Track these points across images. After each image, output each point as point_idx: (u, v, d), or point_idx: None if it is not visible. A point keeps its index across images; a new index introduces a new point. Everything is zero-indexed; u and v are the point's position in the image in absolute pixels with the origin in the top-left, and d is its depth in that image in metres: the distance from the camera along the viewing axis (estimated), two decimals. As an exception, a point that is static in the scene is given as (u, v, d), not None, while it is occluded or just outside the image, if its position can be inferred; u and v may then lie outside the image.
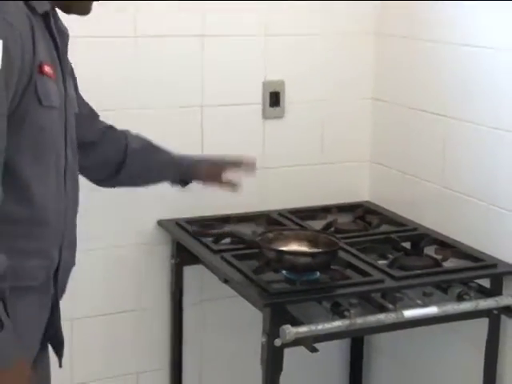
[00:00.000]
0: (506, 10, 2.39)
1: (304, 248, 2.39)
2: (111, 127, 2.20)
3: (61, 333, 1.88)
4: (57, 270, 1.79)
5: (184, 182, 2.33)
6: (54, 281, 1.79)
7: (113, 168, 2.18)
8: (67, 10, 1.80)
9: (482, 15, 2.49)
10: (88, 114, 2.11)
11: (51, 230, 1.74)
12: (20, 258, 1.65)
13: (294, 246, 2.39)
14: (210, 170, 2.35)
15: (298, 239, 2.42)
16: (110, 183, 2.24)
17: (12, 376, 1.54)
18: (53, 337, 1.86)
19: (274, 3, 2.80)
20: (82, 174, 1.96)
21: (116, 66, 2.64)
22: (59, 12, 1.79)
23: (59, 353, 1.90)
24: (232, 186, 2.34)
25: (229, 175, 2.33)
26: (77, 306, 2.63)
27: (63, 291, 1.87)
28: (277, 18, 2.83)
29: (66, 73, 1.81)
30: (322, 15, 2.89)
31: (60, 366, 1.90)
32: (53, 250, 1.76)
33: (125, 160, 2.18)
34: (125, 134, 2.22)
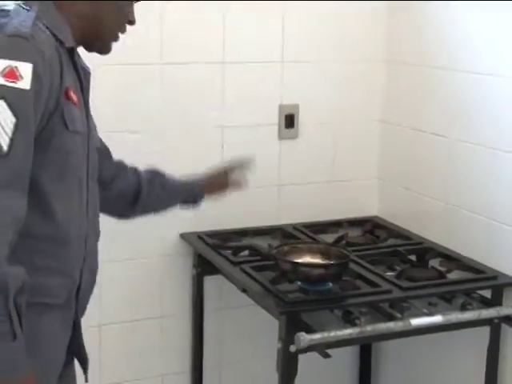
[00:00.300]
0: (504, 39, 2.40)
1: (317, 260, 2.38)
2: (122, 162, 2.15)
3: (84, 350, 1.84)
4: (77, 291, 1.76)
5: (195, 201, 2.28)
6: (75, 300, 1.76)
7: (129, 200, 2.12)
8: (89, 49, 1.81)
9: (483, 44, 2.49)
10: (104, 151, 2.06)
11: (72, 251, 1.71)
12: (43, 275, 1.63)
13: (308, 259, 2.38)
14: (215, 182, 2.30)
15: (312, 252, 2.42)
16: (128, 215, 2.17)
17: None
18: (77, 353, 1.84)
19: (290, 31, 2.81)
20: (101, 210, 1.91)
21: (144, 91, 2.65)
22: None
23: (84, 368, 1.87)
24: (239, 184, 2.31)
25: (233, 177, 2.30)
26: (104, 313, 2.65)
27: (83, 311, 1.84)
28: (292, 46, 2.83)
29: (88, 107, 1.81)
30: (336, 43, 2.89)
31: (86, 380, 1.86)
32: (74, 272, 1.73)
33: (140, 191, 2.12)
34: (135, 167, 2.17)
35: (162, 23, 2.63)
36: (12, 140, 1.46)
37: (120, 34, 1.80)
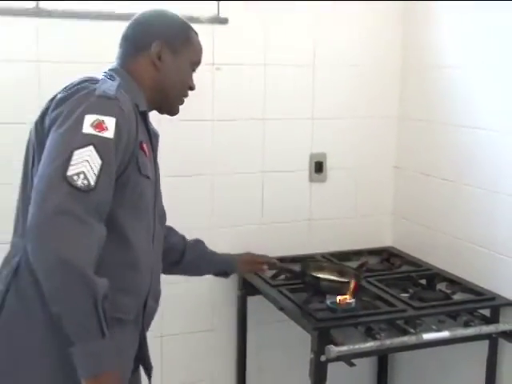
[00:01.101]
0: (497, 99, 2.40)
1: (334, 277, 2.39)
2: (171, 227, 2.14)
3: (149, 359, 1.85)
4: (144, 310, 1.77)
5: (227, 274, 2.31)
6: (142, 317, 1.77)
7: (172, 259, 2.11)
8: (160, 112, 1.86)
9: (480, 104, 2.50)
10: (163, 212, 2.04)
11: (141, 277, 1.71)
12: (118, 295, 1.62)
13: (332, 276, 2.39)
14: (249, 260, 2.36)
15: (331, 270, 2.44)
16: (166, 272, 2.05)
17: (109, 379, 1.47)
18: (143, 361, 1.84)
19: (319, 93, 2.82)
20: None
21: (198, 142, 2.68)
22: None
23: (149, 375, 1.87)
24: (270, 265, 2.38)
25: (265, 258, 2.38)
26: (166, 325, 2.66)
27: (148, 327, 1.84)
28: (321, 105, 2.84)
29: (157, 163, 1.83)
30: (356, 103, 2.90)
31: None
32: (142, 294, 1.74)
33: (184, 254, 2.14)
34: (183, 234, 2.18)
35: (214, 89, 2.66)
36: (98, 177, 1.49)
37: (184, 98, 1.85)
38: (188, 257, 2.16)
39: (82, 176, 1.46)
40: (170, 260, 2.06)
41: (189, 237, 2.18)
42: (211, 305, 2.80)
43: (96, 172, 1.49)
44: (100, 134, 1.51)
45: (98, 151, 1.50)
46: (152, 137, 1.79)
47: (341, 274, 2.39)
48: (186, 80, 1.82)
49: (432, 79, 2.75)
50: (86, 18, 2.42)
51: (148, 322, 1.82)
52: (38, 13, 2.39)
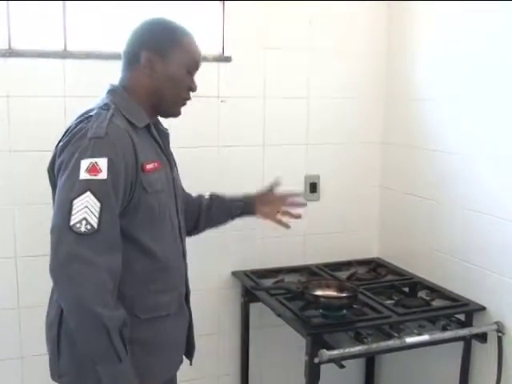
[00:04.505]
0: (470, 126, 2.42)
1: (334, 293, 2.38)
2: (190, 194, 2.10)
3: (193, 342, 1.90)
4: (187, 299, 1.81)
5: (247, 213, 2.16)
6: (187, 306, 1.81)
7: (194, 216, 2.06)
8: (164, 116, 1.78)
9: (454, 130, 2.52)
10: (183, 190, 2.03)
11: (173, 274, 1.74)
12: (157, 296, 1.68)
13: (327, 292, 2.38)
14: (264, 197, 2.19)
15: (330, 286, 2.41)
16: (193, 231, 2.08)
17: None
18: (189, 345, 1.88)
19: (313, 122, 2.84)
20: None
21: (204, 167, 2.69)
22: None
23: (192, 354, 1.91)
24: (289, 215, 2.18)
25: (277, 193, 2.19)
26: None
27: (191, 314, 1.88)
28: (314, 132, 2.86)
29: (172, 163, 1.81)
30: (344, 130, 2.91)
31: (191, 364, 1.91)
32: (179, 287, 1.77)
33: (202, 207, 2.07)
34: (198, 195, 2.12)
35: (219, 119, 2.68)
36: (99, 218, 1.48)
37: (186, 99, 1.74)
38: (205, 214, 2.07)
39: (84, 222, 1.47)
40: (189, 226, 2.02)
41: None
42: (217, 311, 2.81)
43: (97, 215, 1.48)
44: (95, 177, 1.48)
45: (95, 195, 1.48)
46: (160, 142, 1.74)
47: (340, 289, 2.37)
48: (181, 82, 1.68)
49: (411, 110, 2.78)
50: (106, 59, 2.46)
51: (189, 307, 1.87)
52: (65, 55, 2.43)
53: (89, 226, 1.47)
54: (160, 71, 1.65)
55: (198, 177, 2.66)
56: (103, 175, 1.49)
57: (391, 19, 2.88)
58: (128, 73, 1.69)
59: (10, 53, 2.34)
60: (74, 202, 1.48)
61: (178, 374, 2.71)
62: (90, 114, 1.60)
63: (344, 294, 2.33)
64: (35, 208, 2.41)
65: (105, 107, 1.61)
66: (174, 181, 1.80)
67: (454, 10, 2.49)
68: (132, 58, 1.67)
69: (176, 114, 1.76)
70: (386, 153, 2.98)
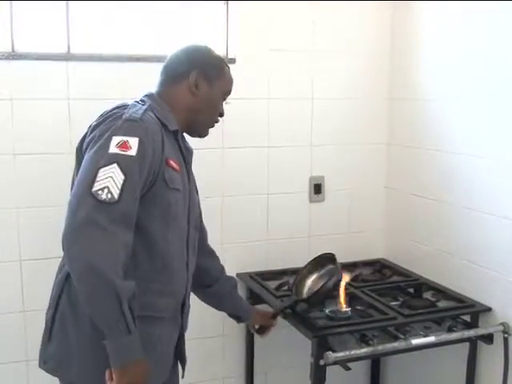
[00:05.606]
0: (472, 129, 2.41)
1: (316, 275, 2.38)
2: (214, 252, 2.13)
3: (184, 354, 1.88)
4: (182, 309, 1.80)
5: (241, 320, 2.29)
6: (181, 316, 1.80)
7: (204, 282, 2.08)
8: (191, 134, 1.86)
9: (459, 131, 2.51)
10: (204, 231, 2.05)
11: (176, 279, 1.74)
12: (154, 296, 1.67)
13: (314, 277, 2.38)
14: (261, 318, 2.32)
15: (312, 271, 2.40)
16: (194, 291, 2.06)
17: (133, 371, 1.51)
18: (180, 355, 1.88)
19: (317, 123, 2.83)
20: None
21: (209, 167, 2.69)
22: None
23: (183, 368, 1.91)
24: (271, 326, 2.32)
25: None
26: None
27: (186, 327, 1.87)
28: (319, 133, 2.85)
29: (190, 176, 1.84)
30: (350, 131, 2.91)
31: (182, 376, 1.92)
32: (177, 294, 1.76)
33: (217, 281, 2.12)
34: (223, 266, 2.16)
35: (224, 121, 2.65)
36: (121, 191, 1.50)
37: (215, 122, 1.86)
38: (217, 287, 2.13)
39: (106, 190, 1.49)
40: (200, 282, 2.03)
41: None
42: (222, 313, 2.75)
43: (119, 186, 1.50)
44: (124, 152, 1.53)
45: (121, 168, 1.52)
46: (185, 154, 1.80)
47: (322, 266, 2.36)
48: (217, 107, 1.83)
49: (415, 110, 2.76)
50: (109, 61, 2.46)
51: (185, 321, 1.85)
52: (68, 57, 2.43)
53: (109, 196, 1.49)
54: (203, 92, 1.77)
55: (203, 178, 2.65)
56: (132, 152, 1.53)
57: (395, 20, 2.87)
58: (170, 87, 1.78)
59: (14, 55, 2.34)
60: (100, 170, 1.50)
61: (186, 376, 2.73)
62: (127, 103, 1.68)
63: (325, 281, 2.25)
64: (39, 211, 2.41)
65: (141, 102, 1.70)
66: (191, 193, 1.82)
67: (458, 10, 2.48)
68: (180, 73, 1.77)
69: (204, 134, 1.86)
70: (391, 154, 2.97)
